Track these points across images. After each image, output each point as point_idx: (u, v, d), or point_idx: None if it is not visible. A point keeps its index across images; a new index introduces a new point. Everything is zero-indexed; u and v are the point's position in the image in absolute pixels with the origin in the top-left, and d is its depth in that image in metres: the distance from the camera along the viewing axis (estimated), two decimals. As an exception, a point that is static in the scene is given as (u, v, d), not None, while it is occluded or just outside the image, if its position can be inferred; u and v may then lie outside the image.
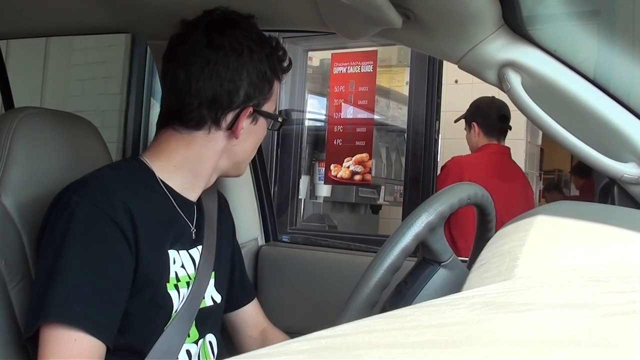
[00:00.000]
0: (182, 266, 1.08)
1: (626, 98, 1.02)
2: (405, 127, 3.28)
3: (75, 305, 0.92)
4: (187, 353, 1.09)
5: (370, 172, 3.63)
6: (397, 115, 3.93)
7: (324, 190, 3.86)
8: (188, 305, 1.07)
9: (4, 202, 1.07)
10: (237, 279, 1.33)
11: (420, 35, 1.12)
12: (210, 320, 1.16)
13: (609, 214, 0.80)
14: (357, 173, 3.64)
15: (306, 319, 1.45)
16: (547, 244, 0.60)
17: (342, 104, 3.67)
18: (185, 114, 1.07)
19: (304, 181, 3.81)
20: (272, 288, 1.65)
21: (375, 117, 3.67)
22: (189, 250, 1.11)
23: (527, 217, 0.69)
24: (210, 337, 1.17)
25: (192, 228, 1.13)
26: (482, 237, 1.04)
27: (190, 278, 1.09)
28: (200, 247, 1.14)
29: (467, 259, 1.19)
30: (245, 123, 1.09)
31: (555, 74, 1.04)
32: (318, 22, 1.22)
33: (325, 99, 3.87)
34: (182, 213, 1.10)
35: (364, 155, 3.61)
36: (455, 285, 0.94)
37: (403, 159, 3.35)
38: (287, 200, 3.61)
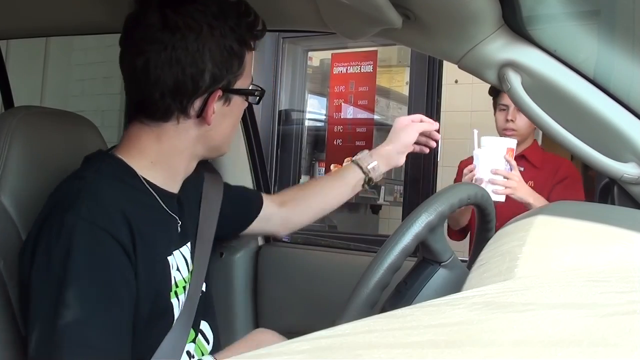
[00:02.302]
0: (178, 269, 1.05)
1: (626, 98, 1.02)
2: (405, 127, 3.28)
3: (93, 341, 0.87)
4: (187, 354, 1.07)
5: (370, 172, 3.63)
6: (397, 115, 3.93)
7: (324, 190, 3.86)
8: (187, 311, 1.04)
9: (4, 201, 1.07)
10: (240, 205, 1.32)
11: (420, 35, 1.12)
12: (201, 311, 1.12)
13: (609, 214, 0.80)
14: (357, 173, 3.63)
15: (306, 319, 1.45)
16: (547, 244, 0.60)
17: (342, 104, 3.68)
18: (149, 105, 0.98)
19: (304, 181, 3.82)
20: (272, 288, 1.65)
21: (375, 117, 3.67)
22: (180, 249, 1.07)
23: (527, 217, 0.69)
24: (203, 325, 1.14)
25: (178, 221, 1.08)
26: (482, 237, 1.04)
27: (185, 282, 1.06)
28: (189, 244, 1.10)
29: (467, 258, 1.20)
30: (216, 106, 1.00)
31: (555, 74, 1.04)
32: (318, 22, 1.22)
33: (325, 99, 3.87)
34: (167, 209, 1.05)
35: (364, 155, 3.60)
36: (455, 285, 0.94)
37: (403, 159, 3.34)
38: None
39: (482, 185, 1.63)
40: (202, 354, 1.13)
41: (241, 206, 1.35)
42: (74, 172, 1.01)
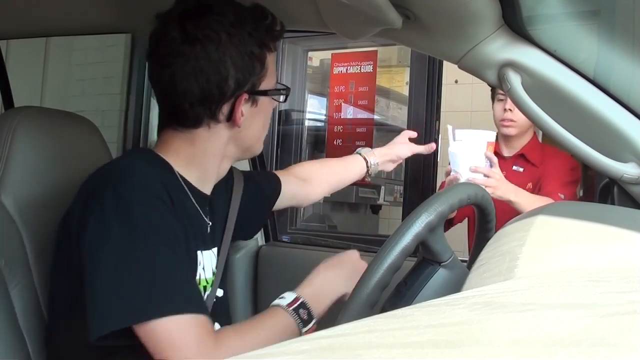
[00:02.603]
0: (204, 268, 1.06)
1: (626, 98, 1.02)
2: (405, 127, 3.28)
3: (175, 294, 0.91)
4: None
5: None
6: (397, 115, 3.93)
7: (325, 190, 3.85)
8: None
9: (4, 201, 1.07)
10: (257, 202, 1.34)
11: (420, 35, 1.12)
12: (215, 315, 1.13)
13: (609, 214, 0.80)
14: (357, 173, 3.63)
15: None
16: (547, 244, 0.60)
17: (342, 104, 3.67)
18: (180, 114, 1.03)
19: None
20: (272, 288, 1.65)
21: (375, 117, 3.67)
22: (210, 251, 1.10)
23: (527, 217, 0.69)
24: (216, 326, 1.14)
25: (208, 222, 1.10)
26: (482, 237, 1.04)
27: (207, 283, 1.07)
28: (215, 250, 1.12)
29: (467, 258, 1.19)
30: (244, 109, 1.05)
31: (555, 74, 1.04)
32: (318, 22, 1.22)
33: (325, 99, 3.87)
34: (199, 209, 1.08)
35: (364, 155, 3.60)
36: (455, 285, 0.94)
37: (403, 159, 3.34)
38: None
39: None
40: None
41: (258, 203, 1.36)
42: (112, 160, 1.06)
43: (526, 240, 0.57)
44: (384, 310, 0.95)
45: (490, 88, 2.09)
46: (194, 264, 1.03)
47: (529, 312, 0.33)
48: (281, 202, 1.43)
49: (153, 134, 3.53)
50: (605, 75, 1.05)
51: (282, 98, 1.14)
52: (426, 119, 2.99)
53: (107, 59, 3.67)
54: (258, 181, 1.38)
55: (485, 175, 1.62)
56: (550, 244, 0.60)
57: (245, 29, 1.02)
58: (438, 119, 3.04)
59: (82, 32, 1.70)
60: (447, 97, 3.32)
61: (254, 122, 1.08)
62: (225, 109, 1.03)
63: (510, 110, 1.98)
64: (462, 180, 1.60)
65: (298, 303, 1.03)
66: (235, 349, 0.94)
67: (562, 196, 1.90)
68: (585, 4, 1.16)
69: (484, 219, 1.04)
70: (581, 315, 0.32)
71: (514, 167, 2.00)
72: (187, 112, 1.02)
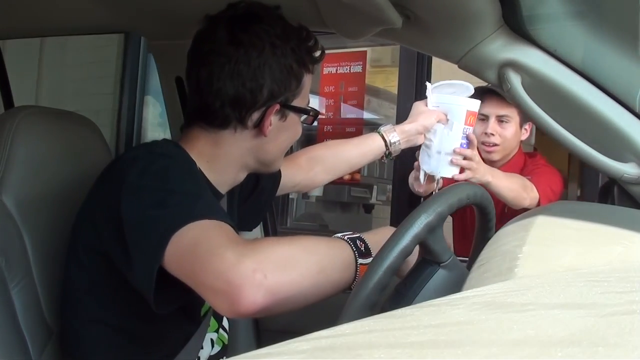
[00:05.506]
0: None
1: (626, 98, 1.02)
2: (397, 127, 3.29)
3: (192, 208, 0.87)
4: (211, 342, 1.15)
5: (360, 172, 3.64)
6: (391, 114, 3.95)
7: (316, 190, 3.87)
8: None
9: (5, 200, 1.07)
10: (259, 182, 1.33)
11: (421, 35, 1.12)
12: None
13: (609, 214, 0.80)
14: (347, 172, 3.66)
15: (306, 319, 1.44)
16: (547, 244, 0.60)
17: (332, 103, 3.69)
18: (209, 113, 1.05)
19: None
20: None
21: (366, 116, 3.69)
22: None
23: (527, 217, 0.69)
24: (224, 322, 1.22)
25: None
26: (482, 237, 1.04)
27: None
28: None
29: (467, 258, 1.19)
30: (273, 120, 1.06)
31: (555, 74, 1.04)
32: (318, 22, 1.22)
33: (316, 98, 3.89)
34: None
35: (355, 155, 3.63)
36: (455, 285, 0.94)
37: (393, 158, 3.36)
38: (278, 199, 3.62)
39: (434, 159, 1.40)
40: (223, 344, 1.22)
41: (257, 195, 1.35)
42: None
43: (526, 240, 0.57)
44: (384, 310, 0.95)
45: None
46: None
47: (529, 312, 0.33)
48: (283, 191, 1.42)
49: (146, 134, 3.53)
50: (606, 75, 1.05)
51: (310, 120, 1.15)
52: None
53: (101, 59, 3.67)
54: (256, 174, 1.38)
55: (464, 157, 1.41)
56: (550, 244, 0.60)
57: (288, 44, 1.05)
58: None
59: (81, 32, 1.70)
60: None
61: (280, 136, 1.10)
62: (255, 116, 1.05)
63: (492, 134, 1.87)
64: (434, 154, 1.40)
65: (355, 236, 0.97)
66: (275, 251, 0.86)
67: (529, 178, 1.79)
68: (585, 4, 1.16)
69: (484, 219, 1.04)
70: (581, 315, 0.32)
71: None
72: (217, 112, 1.04)
